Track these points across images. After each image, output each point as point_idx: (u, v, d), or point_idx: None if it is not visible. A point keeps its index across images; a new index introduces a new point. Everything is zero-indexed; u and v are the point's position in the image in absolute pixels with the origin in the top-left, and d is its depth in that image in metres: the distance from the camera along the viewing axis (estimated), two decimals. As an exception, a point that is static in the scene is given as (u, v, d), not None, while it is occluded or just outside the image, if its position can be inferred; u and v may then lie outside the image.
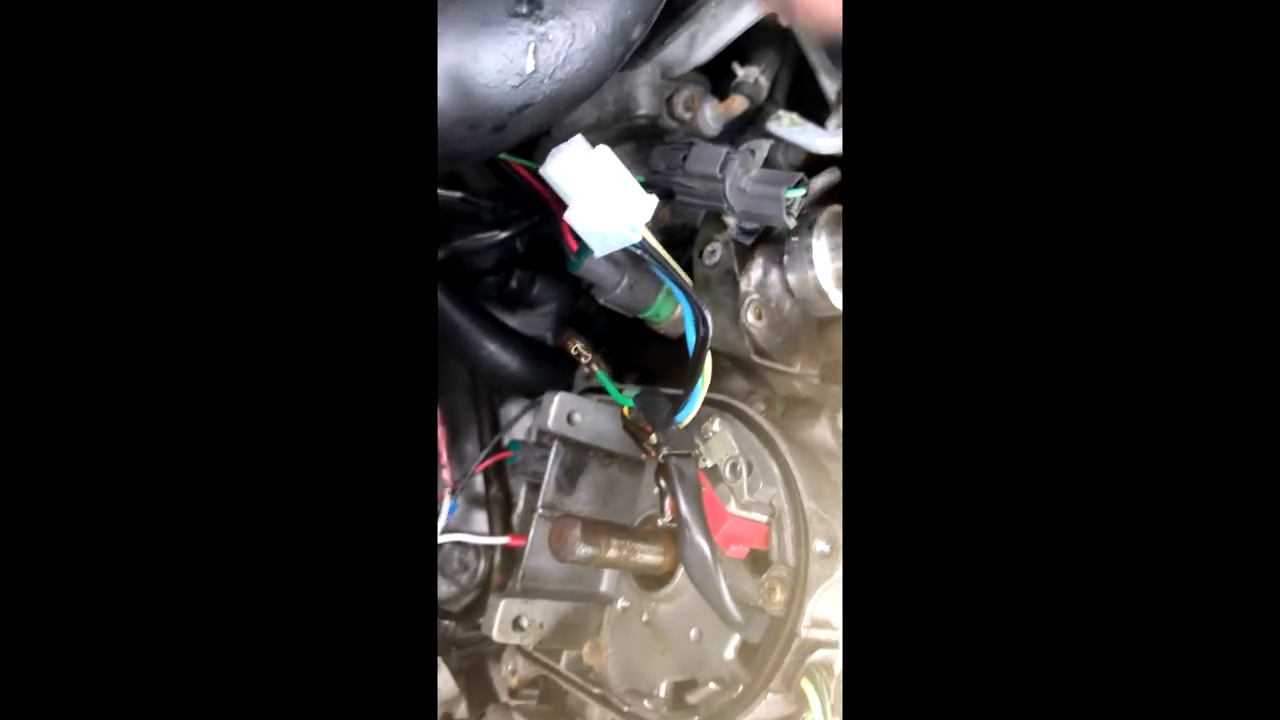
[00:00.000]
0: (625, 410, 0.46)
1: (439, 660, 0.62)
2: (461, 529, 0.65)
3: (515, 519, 0.66)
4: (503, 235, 0.60)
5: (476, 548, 0.66)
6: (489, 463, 0.64)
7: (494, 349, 0.62)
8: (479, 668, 0.62)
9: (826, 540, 0.44)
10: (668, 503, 0.43)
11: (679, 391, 0.44)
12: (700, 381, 0.43)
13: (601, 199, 0.40)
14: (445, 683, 0.64)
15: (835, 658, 0.44)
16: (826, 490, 0.46)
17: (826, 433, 0.52)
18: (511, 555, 0.63)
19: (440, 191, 0.58)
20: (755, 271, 0.51)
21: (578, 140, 0.40)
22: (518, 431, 0.68)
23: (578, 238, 0.42)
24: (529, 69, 0.37)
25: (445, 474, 0.63)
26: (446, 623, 0.63)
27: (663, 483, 0.43)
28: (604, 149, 0.40)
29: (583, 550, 0.45)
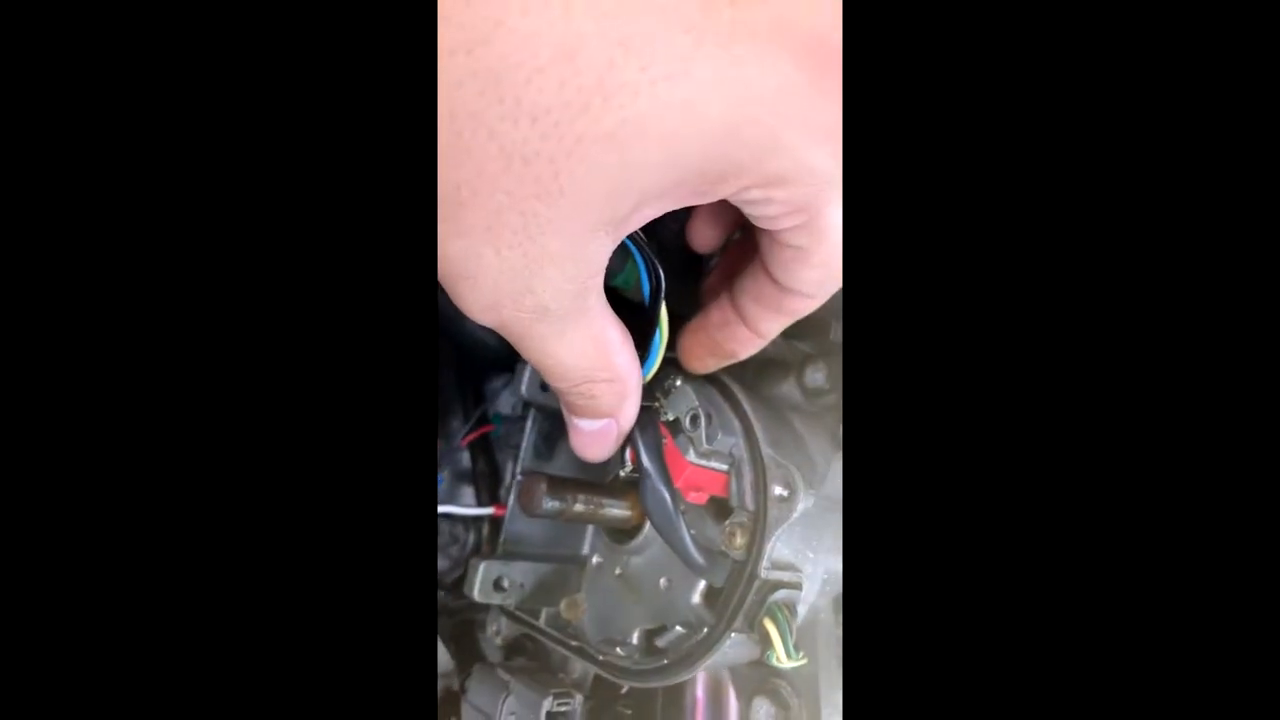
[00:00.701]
0: None
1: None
2: (449, 503, 0.67)
3: (503, 492, 0.68)
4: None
5: (465, 520, 0.67)
6: (473, 436, 0.66)
7: (476, 324, 0.64)
8: (466, 633, 0.64)
9: (784, 485, 0.45)
10: (628, 454, 0.44)
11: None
12: (658, 333, 0.44)
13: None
14: (441, 655, 0.65)
15: (795, 597, 0.45)
16: (786, 439, 0.48)
17: (794, 389, 0.53)
18: (499, 527, 0.64)
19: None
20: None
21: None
22: (503, 406, 0.69)
23: None
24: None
25: (432, 449, 0.64)
26: (438, 593, 0.65)
27: (624, 435, 0.44)
28: None
29: (549, 504, 0.46)
